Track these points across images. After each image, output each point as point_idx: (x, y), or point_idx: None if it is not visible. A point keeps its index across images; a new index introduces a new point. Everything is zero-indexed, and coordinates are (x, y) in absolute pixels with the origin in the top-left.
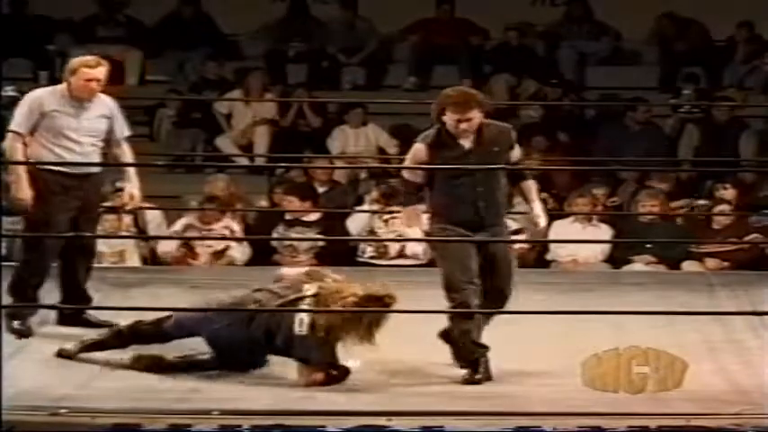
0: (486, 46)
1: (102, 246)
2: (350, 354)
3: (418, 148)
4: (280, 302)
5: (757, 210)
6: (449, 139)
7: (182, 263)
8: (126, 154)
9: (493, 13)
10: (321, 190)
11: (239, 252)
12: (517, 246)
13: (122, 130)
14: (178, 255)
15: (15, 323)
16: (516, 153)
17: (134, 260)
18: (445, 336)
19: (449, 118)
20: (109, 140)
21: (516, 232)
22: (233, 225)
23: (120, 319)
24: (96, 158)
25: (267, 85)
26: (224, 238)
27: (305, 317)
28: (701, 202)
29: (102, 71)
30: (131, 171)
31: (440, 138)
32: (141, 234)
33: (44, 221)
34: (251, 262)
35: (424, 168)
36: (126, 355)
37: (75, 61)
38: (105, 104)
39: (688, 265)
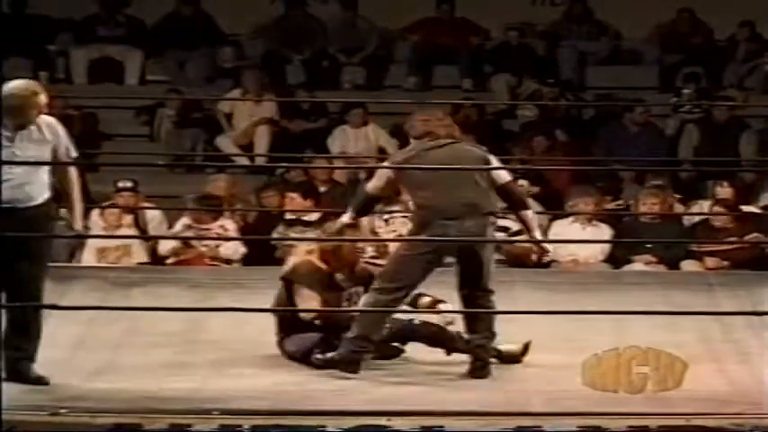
0: (486, 46)
1: (105, 241)
2: None
3: None
4: None
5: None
6: None
7: (189, 263)
8: (72, 176)
9: (493, 13)
10: (321, 190)
11: (231, 250)
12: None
13: (67, 151)
14: (184, 254)
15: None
16: None
17: (141, 256)
18: None
19: None
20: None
21: (517, 233)
22: (227, 224)
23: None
24: (33, 188)
25: (266, 84)
26: (224, 238)
27: None
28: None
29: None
30: (74, 198)
31: None
32: (142, 233)
33: None
34: (250, 261)
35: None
36: None
37: (25, 88)
38: (46, 127)
39: (688, 265)
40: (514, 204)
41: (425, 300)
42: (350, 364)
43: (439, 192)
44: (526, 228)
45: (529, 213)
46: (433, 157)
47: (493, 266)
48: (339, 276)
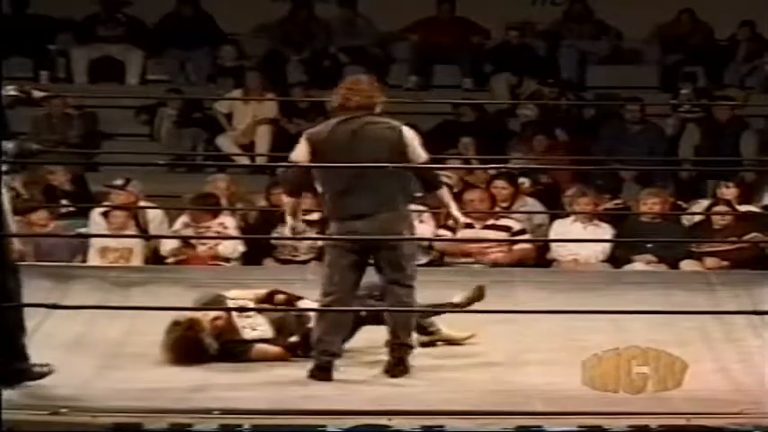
0: (486, 45)
1: (109, 243)
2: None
3: None
4: None
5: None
6: None
7: (189, 263)
8: None
9: (493, 13)
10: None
11: (230, 249)
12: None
13: None
14: (183, 255)
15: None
16: None
17: (137, 259)
18: None
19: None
20: None
21: (519, 233)
22: (227, 221)
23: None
24: None
25: (267, 84)
26: (224, 237)
27: None
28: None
29: None
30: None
31: None
32: (143, 233)
33: None
34: (250, 260)
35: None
36: None
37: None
38: None
39: (687, 265)
40: (427, 185)
41: (281, 297)
42: (321, 372)
43: (344, 185)
44: (443, 205)
45: (443, 192)
46: (340, 137)
47: (413, 263)
48: None
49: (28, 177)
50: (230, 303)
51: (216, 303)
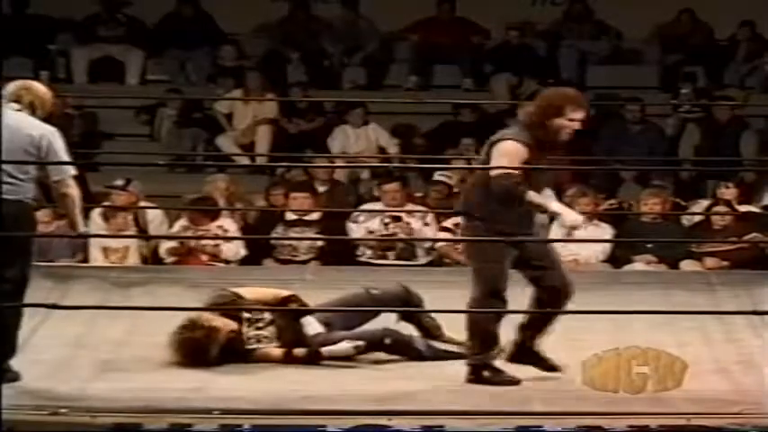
0: (486, 45)
1: (110, 243)
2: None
3: (520, 149)
4: None
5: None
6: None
7: (188, 263)
8: None
9: (494, 13)
10: (321, 189)
11: (231, 251)
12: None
13: None
14: (179, 252)
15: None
16: None
17: (134, 259)
18: None
19: (567, 118)
20: None
21: None
22: (227, 224)
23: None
24: None
25: (267, 84)
26: (223, 237)
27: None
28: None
29: None
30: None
31: (535, 139)
32: (143, 233)
33: None
34: (249, 261)
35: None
36: None
37: (45, 91)
38: None
39: (687, 265)
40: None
41: (295, 305)
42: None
43: None
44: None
45: (531, 198)
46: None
47: (488, 269)
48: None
49: None
50: (246, 304)
51: (231, 305)
